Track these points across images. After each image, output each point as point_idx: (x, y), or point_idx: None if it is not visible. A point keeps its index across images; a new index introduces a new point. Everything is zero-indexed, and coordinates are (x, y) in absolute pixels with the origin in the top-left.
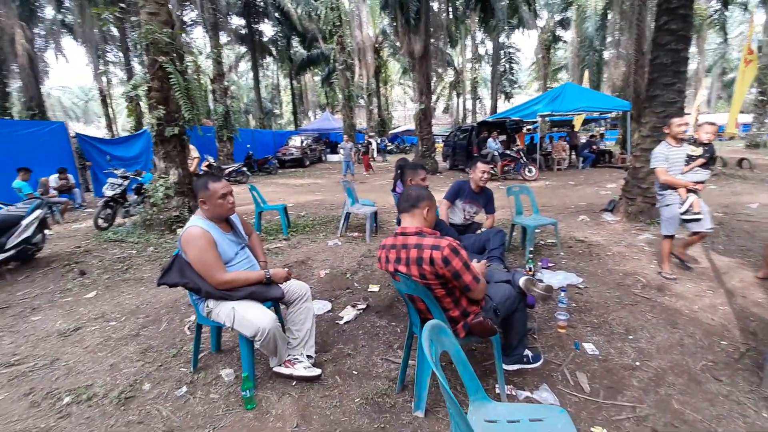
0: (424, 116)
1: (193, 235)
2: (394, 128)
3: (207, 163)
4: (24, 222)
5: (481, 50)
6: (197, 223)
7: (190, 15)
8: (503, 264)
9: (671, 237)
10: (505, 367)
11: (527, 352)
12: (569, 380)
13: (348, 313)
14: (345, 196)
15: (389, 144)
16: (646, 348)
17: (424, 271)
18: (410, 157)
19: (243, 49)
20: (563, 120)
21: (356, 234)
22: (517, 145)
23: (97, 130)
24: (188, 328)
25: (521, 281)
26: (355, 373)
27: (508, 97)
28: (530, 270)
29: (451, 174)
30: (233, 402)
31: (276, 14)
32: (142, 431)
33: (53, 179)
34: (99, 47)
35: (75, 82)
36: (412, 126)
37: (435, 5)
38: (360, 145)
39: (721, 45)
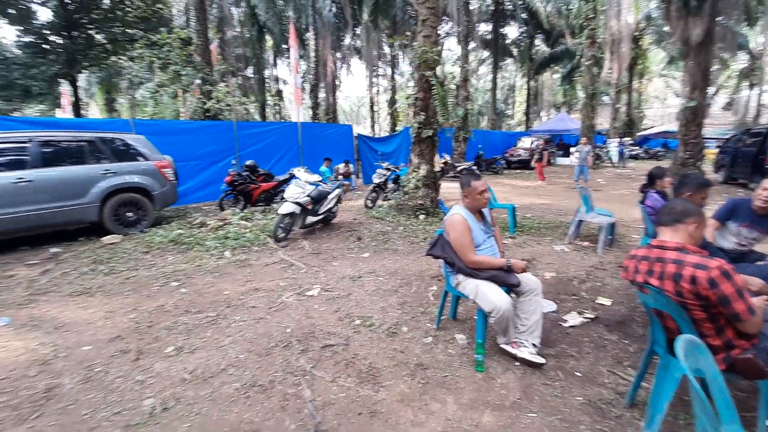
0: (694, 116)
1: (455, 221)
2: (645, 129)
3: (444, 160)
4: (330, 196)
5: None
6: (459, 211)
7: (444, 28)
8: None
9: None
10: None
11: None
12: None
13: (573, 319)
14: (576, 202)
15: (635, 148)
16: None
17: (682, 288)
18: (665, 165)
19: (485, 53)
20: None
21: (586, 243)
22: None
23: (363, 129)
24: (432, 295)
25: None
26: (578, 374)
27: None
28: None
29: (723, 189)
30: (466, 361)
31: (523, 15)
32: (403, 358)
33: (341, 167)
34: (374, 64)
35: (353, 92)
36: (669, 126)
37: None
38: (534, 150)
39: None
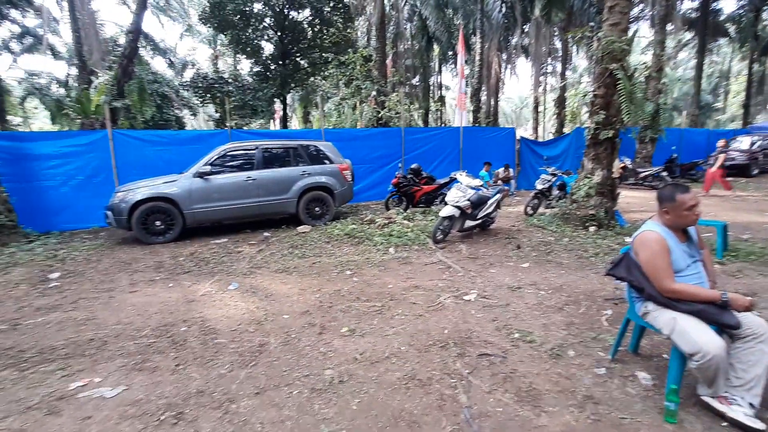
0: None
1: (649, 239)
2: None
3: (622, 165)
4: (489, 201)
5: None
6: (654, 228)
7: (633, 11)
8: None
9: None
10: None
11: None
12: None
13: None
14: None
15: None
16: None
17: None
18: None
19: (688, 35)
20: None
21: None
22: None
23: (524, 131)
24: (606, 320)
25: None
26: None
27: None
28: None
29: None
30: (651, 406)
31: None
32: (569, 386)
33: (500, 171)
34: (543, 62)
35: (515, 93)
36: None
37: None
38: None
39: None
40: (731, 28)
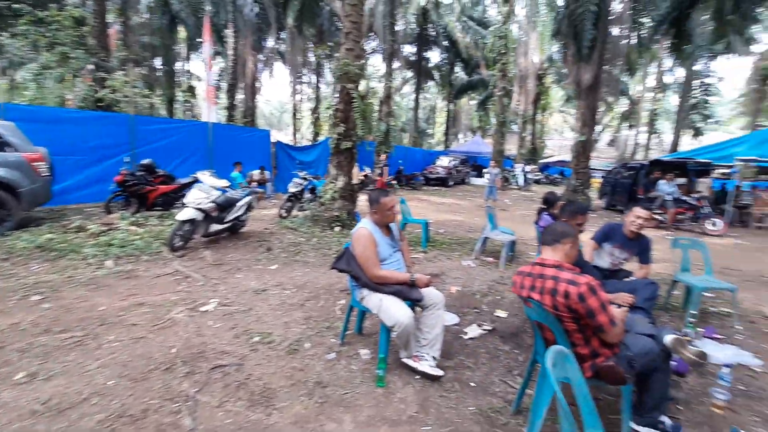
0: (584, 149)
1: (361, 235)
2: (546, 158)
3: (364, 173)
4: (239, 204)
5: (668, 79)
6: (366, 225)
7: (371, 44)
8: (650, 318)
9: None
10: (634, 426)
11: (665, 419)
12: None
13: (473, 331)
14: (485, 221)
15: (538, 174)
16: None
17: (557, 302)
18: (560, 190)
19: (409, 74)
20: None
21: (491, 259)
22: (700, 192)
23: (285, 136)
24: (339, 309)
25: (668, 339)
26: (473, 385)
27: (697, 133)
28: (688, 336)
29: (605, 214)
30: (368, 377)
31: (444, 43)
32: (302, 377)
33: (256, 173)
34: (298, 71)
35: (275, 97)
36: (566, 156)
37: (615, 31)
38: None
39: None
40: (437, 74)
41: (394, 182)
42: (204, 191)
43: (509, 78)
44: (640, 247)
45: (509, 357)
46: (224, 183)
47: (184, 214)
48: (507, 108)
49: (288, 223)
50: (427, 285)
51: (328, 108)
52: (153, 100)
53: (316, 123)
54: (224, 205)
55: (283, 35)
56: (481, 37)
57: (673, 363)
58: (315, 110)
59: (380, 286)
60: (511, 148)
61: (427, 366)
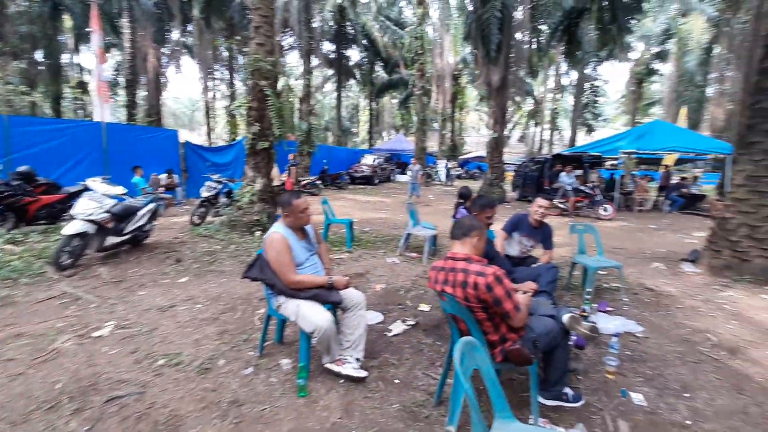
0: (496, 145)
1: (275, 239)
2: (466, 154)
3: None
4: (140, 212)
5: (565, 81)
6: (278, 230)
7: (288, 41)
8: (552, 300)
9: None
10: (542, 400)
11: (568, 390)
12: (609, 425)
13: (397, 327)
14: (408, 217)
15: (459, 169)
16: (702, 409)
17: (468, 294)
18: (478, 184)
19: (330, 72)
20: (653, 158)
21: (415, 254)
22: (593, 182)
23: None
24: (258, 319)
25: (565, 318)
26: (397, 381)
27: (590, 130)
28: (585, 311)
29: (519, 205)
30: (288, 388)
31: (363, 41)
32: (215, 398)
33: (163, 177)
34: (210, 66)
35: (185, 94)
36: (483, 152)
37: (518, 35)
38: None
39: None
40: (357, 73)
41: (318, 182)
42: (95, 200)
43: (427, 77)
44: (543, 235)
45: (432, 349)
46: (119, 190)
47: (71, 228)
48: (427, 107)
49: (202, 230)
50: (346, 286)
51: (239, 106)
52: (34, 97)
53: (232, 122)
54: (122, 215)
55: (190, 28)
56: (399, 37)
57: (573, 338)
58: (230, 108)
59: (297, 291)
60: (433, 145)
61: (350, 368)
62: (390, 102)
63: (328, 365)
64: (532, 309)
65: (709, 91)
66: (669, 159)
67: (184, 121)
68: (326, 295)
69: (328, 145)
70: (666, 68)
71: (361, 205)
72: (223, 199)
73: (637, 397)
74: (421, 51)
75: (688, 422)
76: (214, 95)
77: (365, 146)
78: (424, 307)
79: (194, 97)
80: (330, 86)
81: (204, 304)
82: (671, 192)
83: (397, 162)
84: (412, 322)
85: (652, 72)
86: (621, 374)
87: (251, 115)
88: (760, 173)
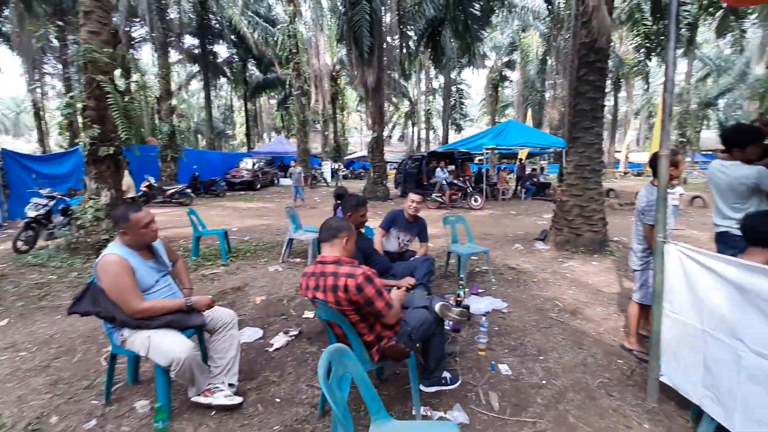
0: (377, 144)
1: (109, 262)
2: (351, 154)
3: (147, 183)
4: None
5: (435, 84)
6: (114, 251)
7: (139, 32)
8: (427, 290)
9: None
10: (424, 389)
11: (446, 374)
12: (482, 400)
13: (279, 340)
14: (290, 222)
15: (345, 169)
16: (553, 367)
17: (339, 298)
18: (363, 183)
19: (195, 68)
20: (511, 152)
21: (299, 260)
22: (465, 175)
23: (28, 143)
24: (104, 359)
25: (437, 307)
26: (278, 400)
27: (459, 129)
28: (460, 296)
29: (401, 201)
30: None
31: (232, 37)
32: None
33: None
34: (36, 58)
35: (6, 93)
36: (366, 152)
37: (389, 39)
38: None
39: (648, 91)
40: (228, 71)
41: (188, 191)
42: None
43: (305, 77)
44: (418, 228)
45: (316, 358)
46: None
47: None
48: (307, 107)
49: (30, 258)
50: (209, 306)
51: (68, 105)
52: None
53: (62, 124)
54: None
55: (7, 12)
56: (271, 34)
57: (448, 325)
58: (59, 108)
59: (146, 321)
60: (317, 146)
61: (222, 397)
62: (268, 102)
63: (194, 398)
64: (407, 302)
65: (547, 95)
66: (522, 153)
67: (7, 126)
68: (184, 319)
69: (199, 149)
70: (514, 75)
71: (241, 212)
72: (58, 218)
73: (503, 368)
74: (296, 50)
75: (543, 382)
76: (45, 93)
77: (244, 149)
78: (309, 314)
79: (19, 96)
80: (197, 84)
81: (30, 351)
82: (525, 182)
83: (280, 165)
84: (295, 332)
85: (504, 78)
86: (491, 349)
87: (88, 115)
88: (583, 162)
